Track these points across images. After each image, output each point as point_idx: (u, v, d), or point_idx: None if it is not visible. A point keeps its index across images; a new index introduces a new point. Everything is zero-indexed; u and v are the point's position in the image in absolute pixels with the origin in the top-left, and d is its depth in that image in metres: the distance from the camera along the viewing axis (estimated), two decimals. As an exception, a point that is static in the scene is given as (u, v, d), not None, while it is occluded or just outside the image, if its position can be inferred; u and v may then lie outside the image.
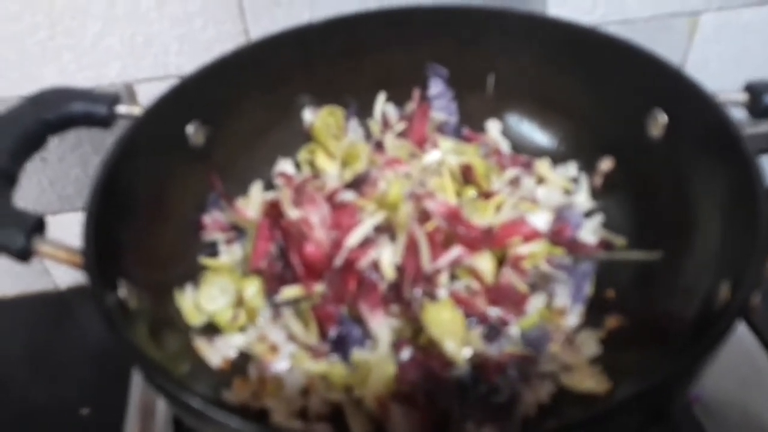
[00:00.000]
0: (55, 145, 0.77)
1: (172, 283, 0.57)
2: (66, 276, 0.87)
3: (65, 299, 0.87)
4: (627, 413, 0.39)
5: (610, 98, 0.63)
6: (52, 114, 0.56)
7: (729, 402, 0.59)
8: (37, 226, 0.48)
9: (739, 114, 0.55)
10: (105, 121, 0.57)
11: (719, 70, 0.85)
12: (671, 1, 0.79)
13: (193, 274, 0.59)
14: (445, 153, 0.65)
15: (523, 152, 0.69)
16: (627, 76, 0.61)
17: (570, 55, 0.65)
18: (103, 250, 0.46)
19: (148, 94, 0.74)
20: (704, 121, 0.54)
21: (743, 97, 0.56)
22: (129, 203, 0.54)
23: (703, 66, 0.84)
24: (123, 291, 0.48)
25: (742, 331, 0.63)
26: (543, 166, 0.67)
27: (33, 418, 0.74)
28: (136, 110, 0.58)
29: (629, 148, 0.63)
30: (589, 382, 0.51)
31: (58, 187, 0.80)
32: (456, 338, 0.51)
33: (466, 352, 0.52)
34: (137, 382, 0.67)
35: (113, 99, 0.58)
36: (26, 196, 0.79)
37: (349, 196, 0.60)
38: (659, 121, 0.59)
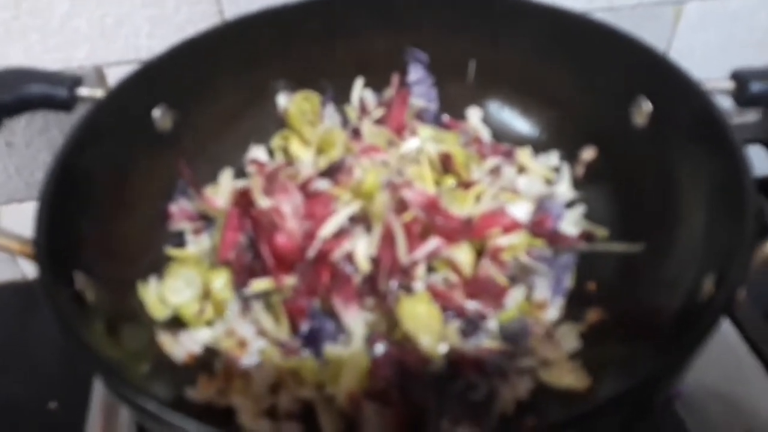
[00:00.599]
0: (21, 129, 0.74)
1: (136, 275, 0.55)
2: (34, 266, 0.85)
3: (33, 289, 0.84)
4: (611, 411, 0.38)
5: (593, 85, 0.62)
6: (9, 96, 0.53)
7: (710, 397, 0.58)
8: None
9: (725, 103, 0.54)
10: (65, 104, 0.55)
11: (704, 59, 0.84)
12: (658, -12, 0.78)
13: (158, 266, 0.57)
14: (424, 141, 0.63)
15: (504, 140, 0.67)
16: (611, 62, 0.60)
17: (553, 41, 0.63)
18: (57, 240, 0.44)
19: (119, 78, 0.72)
20: (690, 109, 0.53)
21: (730, 85, 0.55)
22: (89, 191, 0.51)
23: (688, 54, 0.83)
24: (80, 284, 0.46)
25: (724, 325, 0.62)
26: (524, 155, 0.65)
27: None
28: (99, 93, 0.55)
29: (613, 137, 0.61)
30: (568, 377, 0.50)
31: (26, 173, 0.77)
32: (432, 333, 0.50)
33: (442, 348, 0.50)
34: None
35: (74, 81, 0.55)
36: (-9, 182, 0.77)
37: (323, 184, 0.58)
38: (644, 109, 0.58)
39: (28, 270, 0.85)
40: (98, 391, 0.64)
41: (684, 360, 0.39)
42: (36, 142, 0.75)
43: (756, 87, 0.54)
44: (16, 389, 0.73)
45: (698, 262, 0.48)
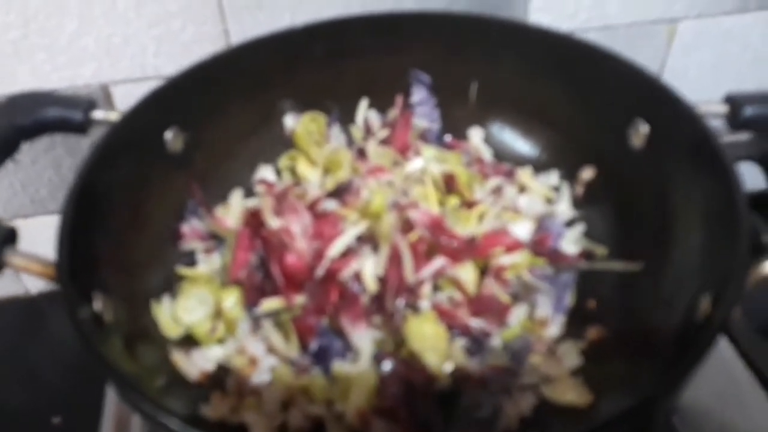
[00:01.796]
0: (27, 147, 0.73)
1: (149, 294, 0.56)
2: (37, 281, 0.85)
3: (37, 304, 0.85)
4: (612, 430, 0.39)
5: (592, 107, 0.63)
6: (26, 119, 0.54)
7: (707, 412, 0.59)
8: (8, 237, 0.46)
9: (717, 122, 0.55)
10: (81, 127, 0.56)
11: (698, 78, 0.86)
12: (652, 8, 0.79)
13: (171, 285, 0.58)
14: (427, 161, 0.64)
15: (505, 160, 0.69)
16: (609, 85, 0.61)
17: (552, 63, 0.65)
18: (77, 262, 0.45)
19: (125, 96, 0.73)
20: (685, 132, 0.55)
21: (723, 108, 0.56)
22: (105, 212, 0.52)
23: (681, 73, 0.85)
24: (98, 304, 0.47)
25: (720, 341, 0.64)
26: (525, 174, 0.66)
27: (3, 426, 0.72)
28: (113, 116, 0.56)
29: (611, 158, 0.63)
30: (570, 394, 0.51)
31: (31, 190, 0.78)
32: (438, 352, 0.51)
33: (448, 367, 0.51)
34: (112, 393, 0.66)
35: (89, 104, 0.56)
36: (-4, 199, 0.78)
37: (331, 205, 0.59)
38: (641, 131, 0.59)
39: (32, 285, 0.86)
40: (110, 406, 0.65)
41: (682, 379, 0.40)
42: (41, 160, 0.76)
43: (749, 111, 0.55)
44: (19, 404, 0.74)
45: (695, 281, 0.49)
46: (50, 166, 0.76)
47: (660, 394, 0.40)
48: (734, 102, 0.56)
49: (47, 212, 0.80)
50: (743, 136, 0.79)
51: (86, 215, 0.49)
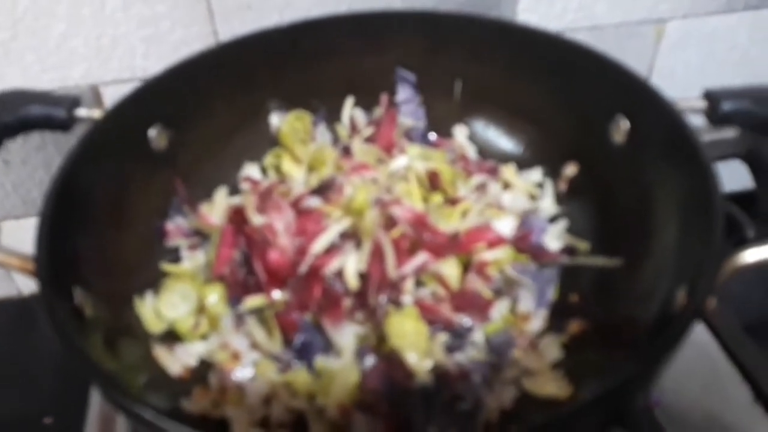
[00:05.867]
0: (18, 147, 0.75)
1: (133, 290, 0.56)
2: (29, 282, 0.85)
3: (29, 305, 0.85)
4: (586, 416, 0.39)
5: (574, 104, 0.64)
6: (9, 117, 0.55)
7: (690, 406, 0.60)
8: (-12, 232, 0.47)
9: (698, 121, 0.56)
10: (64, 125, 0.56)
11: (685, 77, 0.86)
12: (639, 8, 0.80)
13: (155, 281, 0.58)
14: (412, 158, 0.65)
15: (489, 158, 0.69)
16: (591, 83, 0.62)
17: (536, 61, 0.65)
18: (57, 257, 0.46)
19: (115, 97, 0.73)
20: (664, 128, 0.55)
21: (702, 104, 0.56)
22: (87, 208, 0.53)
23: (669, 73, 0.85)
24: (78, 299, 0.47)
25: (702, 334, 0.64)
26: (509, 171, 0.67)
27: (-5, 428, 0.72)
28: (97, 113, 0.57)
29: (593, 154, 0.63)
30: (551, 386, 0.51)
31: (22, 190, 0.78)
32: (418, 350, 0.51)
33: (428, 364, 0.52)
34: (96, 391, 0.66)
35: (73, 102, 0.57)
36: (-13, 199, 0.78)
37: (314, 202, 0.59)
38: (622, 127, 0.60)
39: (24, 286, 0.86)
40: (95, 405, 0.65)
41: (656, 367, 0.40)
42: (32, 160, 0.76)
43: (727, 106, 0.55)
44: (11, 405, 0.74)
45: (671, 274, 0.49)
46: (41, 166, 0.77)
47: (632, 381, 0.40)
48: (712, 97, 0.56)
49: (39, 213, 0.80)
50: (728, 134, 0.80)
51: (67, 211, 0.49)
